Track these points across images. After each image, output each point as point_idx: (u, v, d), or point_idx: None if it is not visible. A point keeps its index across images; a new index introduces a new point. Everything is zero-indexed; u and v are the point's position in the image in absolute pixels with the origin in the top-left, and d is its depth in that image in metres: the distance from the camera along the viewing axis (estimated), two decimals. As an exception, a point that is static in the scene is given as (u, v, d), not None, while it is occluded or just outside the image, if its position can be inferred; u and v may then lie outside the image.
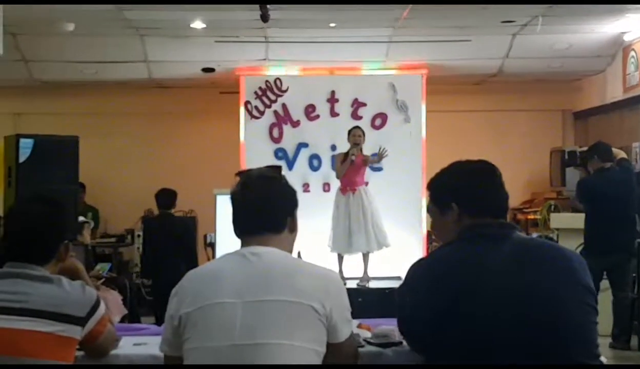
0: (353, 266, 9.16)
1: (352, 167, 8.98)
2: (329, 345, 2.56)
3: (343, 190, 9.04)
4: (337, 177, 9.15)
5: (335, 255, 9.02)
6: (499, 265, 2.53)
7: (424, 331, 2.57)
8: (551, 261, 2.55)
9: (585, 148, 10.57)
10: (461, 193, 2.72)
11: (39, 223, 2.89)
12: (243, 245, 2.66)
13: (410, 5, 8.53)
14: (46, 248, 2.89)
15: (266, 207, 2.67)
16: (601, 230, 7.88)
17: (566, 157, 10.72)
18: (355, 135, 9.01)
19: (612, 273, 7.85)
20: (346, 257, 9.15)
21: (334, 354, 2.59)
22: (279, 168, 2.88)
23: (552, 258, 2.57)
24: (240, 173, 2.89)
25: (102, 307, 2.89)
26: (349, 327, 2.62)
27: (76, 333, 2.79)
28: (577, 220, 8.43)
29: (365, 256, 9.13)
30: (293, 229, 2.72)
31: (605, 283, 7.88)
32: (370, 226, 8.94)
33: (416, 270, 2.74)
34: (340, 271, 8.72)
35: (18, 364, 2.70)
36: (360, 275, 9.09)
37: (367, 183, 9.35)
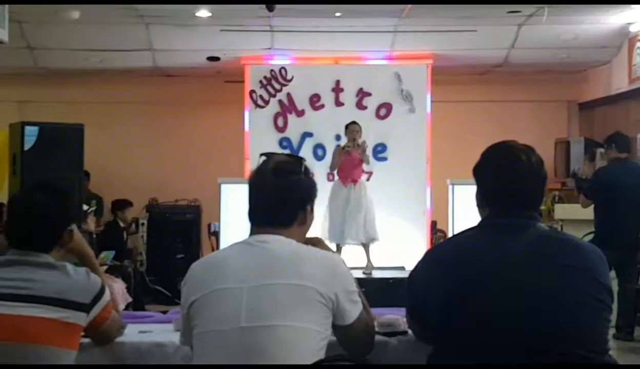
0: (354, 257, 9.20)
1: (350, 161, 9.05)
2: (340, 327, 2.59)
3: (344, 181, 9.16)
4: (332, 170, 9.30)
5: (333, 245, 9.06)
6: (516, 256, 2.49)
7: (434, 316, 2.55)
8: (570, 256, 2.51)
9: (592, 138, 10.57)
10: (480, 181, 2.67)
11: (42, 210, 2.88)
12: (251, 233, 2.68)
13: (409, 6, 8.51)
14: (49, 235, 2.89)
15: (274, 200, 2.66)
16: (614, 222, 7.75)
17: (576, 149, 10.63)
18: (353, 131, 9.15)
19: (621, 265, 7.76)
20: (346, 247, 9.21)
21: (347, 336, 2.63)
22: (300, 159, 2.77)
23: (571, 252, 2.53)
24: (264, 155, 2.81)
25: (107, 294, 2.89)
26: (357, 308, 2.62)
27: (81, 319, 2.79)
28: (581, 211, 8.38)
29: (366, 246, 9.19)
30: (303, 222, 2.70)
31: (610, 274, 7.82)
32: (367, 218, 9.03)
33: (431, 254, 2.72)
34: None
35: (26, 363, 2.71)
36: (361, 265, 9.13)
37: (371, 173, 9.38)
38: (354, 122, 9.32)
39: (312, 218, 2.77)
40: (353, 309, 2.60)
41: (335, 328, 2.60)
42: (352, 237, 9.09)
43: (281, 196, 2.65)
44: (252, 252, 2.60)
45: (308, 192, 2.71)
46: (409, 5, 8.88)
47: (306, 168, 2.72)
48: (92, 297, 2.81)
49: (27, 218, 2.89)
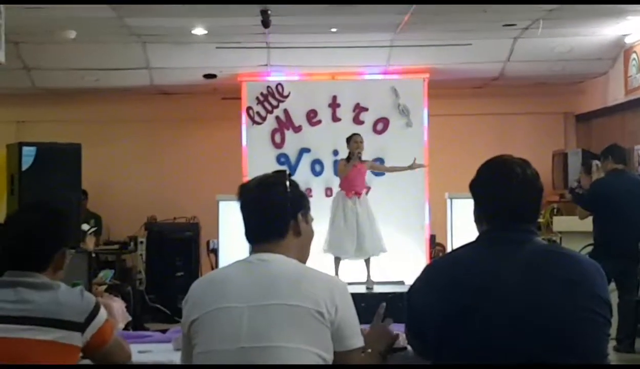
0: (352, 272, 9.19)
1: (356, 171, 9.11)
2: (337, 354, 2.55)
3: (348, 193, 9.18)
4: (340, 176, 9.36)
5: (330, 258, 9.05)
6: (515, 271, 2.48)
7: (433, 332, 2.53)
8: (568, 270, 2.50)
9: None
10: (476, 196, 2.66)
11: (33, 229, 2.87)
12: (251, 252, 2.68)
13: (412, 7, 8.51)
14: (42, 255, 2.86)
15: (263, 214, 2.67)
16: (613, 233, 7.73)
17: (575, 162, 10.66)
18: (357, 142, 9.19)
19: (621, 277, 7.73)
20: (344, 262, 9.20)
21: (343, 364, 2.56)
22: (283, 171, 2.83)
23: (570, 267, 2.51)
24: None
25: (102, 313, 2.85)
26: (358, 338, 2.59)
27: (76, 339, 2.76)
28: (580, 223, 8.38)
29: (368, 261, 9.21)
30: (298, 233, 2.69)
31: (610, 286, 7.81)
32: (374, 230, 9.07)
33: (430, 269, 2.71)
34: (337, 274, 8.76)
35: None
36: (357, 279, 9.12)
37: (369, 188, 9.40)
38: (356, 133, 9.38)
39: (310, 230, 2.76)
40: (354, 336, 2.57)
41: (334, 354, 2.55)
42: (373, 251, 9.13)
43: (269, 208, 2.66)
44: (253, 271, 2.59)
45: (296, 201, 2.72)
46: (405, 19, 8.89)
47: (291, 180, 2.73)
48: (85, 316, 2.78)
49: (18, 238, 2.87)
